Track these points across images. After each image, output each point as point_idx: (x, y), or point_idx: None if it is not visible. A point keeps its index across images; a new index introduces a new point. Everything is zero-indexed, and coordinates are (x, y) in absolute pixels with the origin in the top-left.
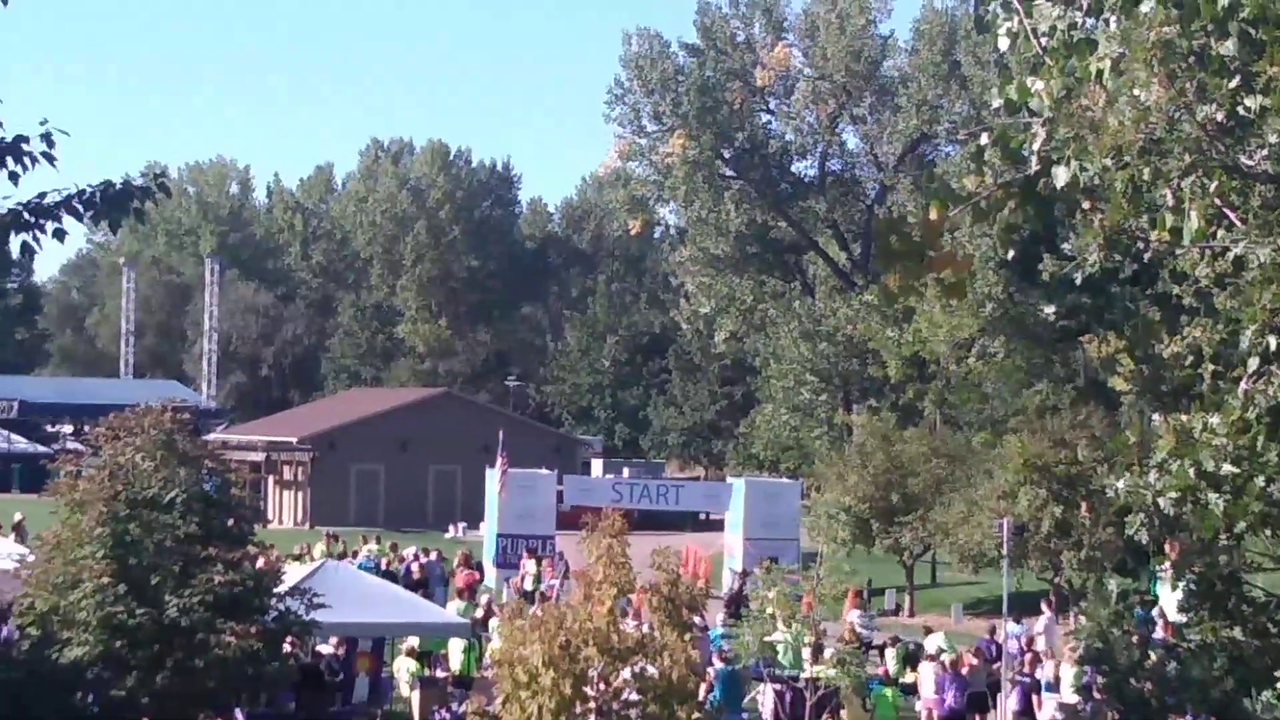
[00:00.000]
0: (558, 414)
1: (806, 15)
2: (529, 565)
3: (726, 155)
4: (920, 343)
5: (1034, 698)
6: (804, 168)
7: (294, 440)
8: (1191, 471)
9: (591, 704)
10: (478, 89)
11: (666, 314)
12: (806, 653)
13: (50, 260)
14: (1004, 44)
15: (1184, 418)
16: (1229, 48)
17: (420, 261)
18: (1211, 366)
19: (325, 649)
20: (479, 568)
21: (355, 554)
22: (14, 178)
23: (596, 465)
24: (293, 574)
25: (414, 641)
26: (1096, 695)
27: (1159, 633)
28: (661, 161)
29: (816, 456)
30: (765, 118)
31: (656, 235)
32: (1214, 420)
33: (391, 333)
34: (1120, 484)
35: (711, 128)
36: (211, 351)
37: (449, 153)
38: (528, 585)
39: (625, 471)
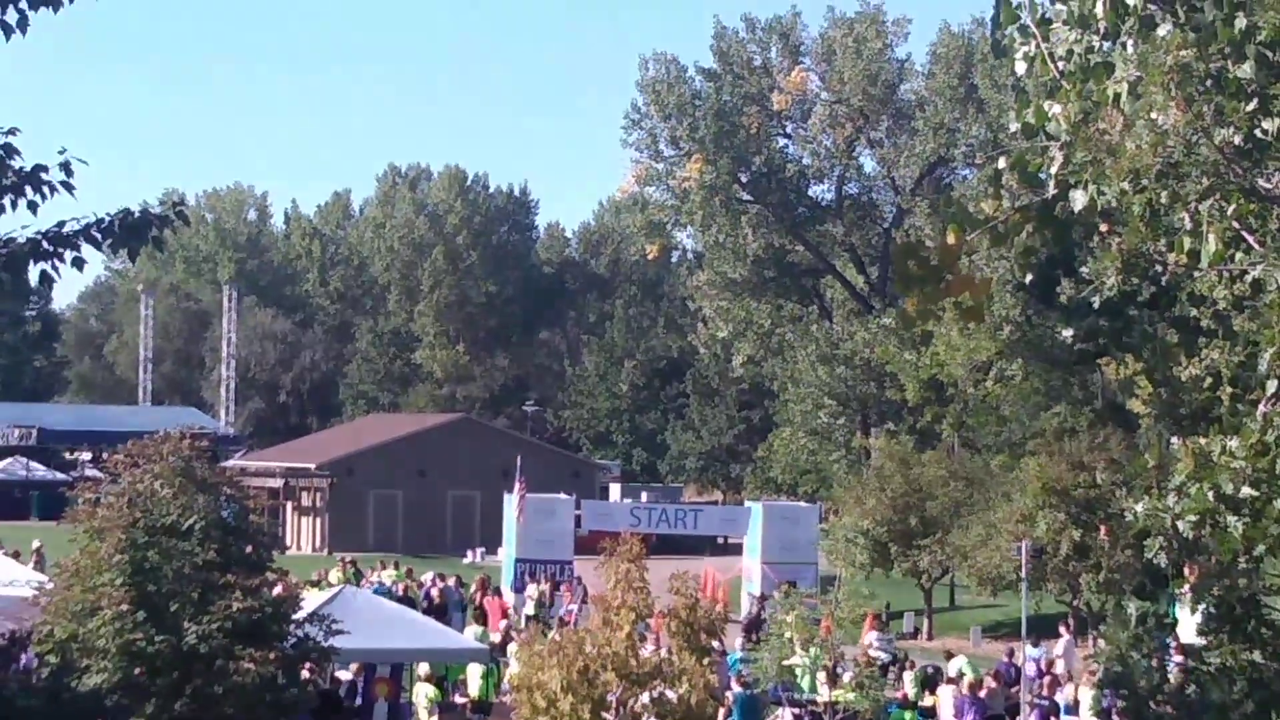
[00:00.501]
0: (576, 439)
1: (823, 39)
2: (531, 589)
3: (744, 179)
4: (938, 366)
5: None
6: (821, 191)
7: (312, 466)
8: (1210, 495)
9: None
10: (495, 115)
11: (684, 338)
12: (823, 676)
13: (69, 288)
14: (1021, 68)
15: (1202, 441)
16: (1246, 70)
17: (438, 287)
18: (1230, 389)
19: (344, 675)
20: (498, 592)
21: (364, 580)
22: (33, 207)
23: (614, 490)
24: (311, 600)
25: (425, 668)
26: (1116, 719)
27: (1173, 655)
28: (679, 186)
29: (835, 480)
30: (782, 142)
31: (674, 260)
32: (1233, 443)
33: (409, 358)
34: (1139, 507)
35: (728, 152)
36: (230, 378)
37: (466, 178)
38: (529, 610)
39: (643, 496)
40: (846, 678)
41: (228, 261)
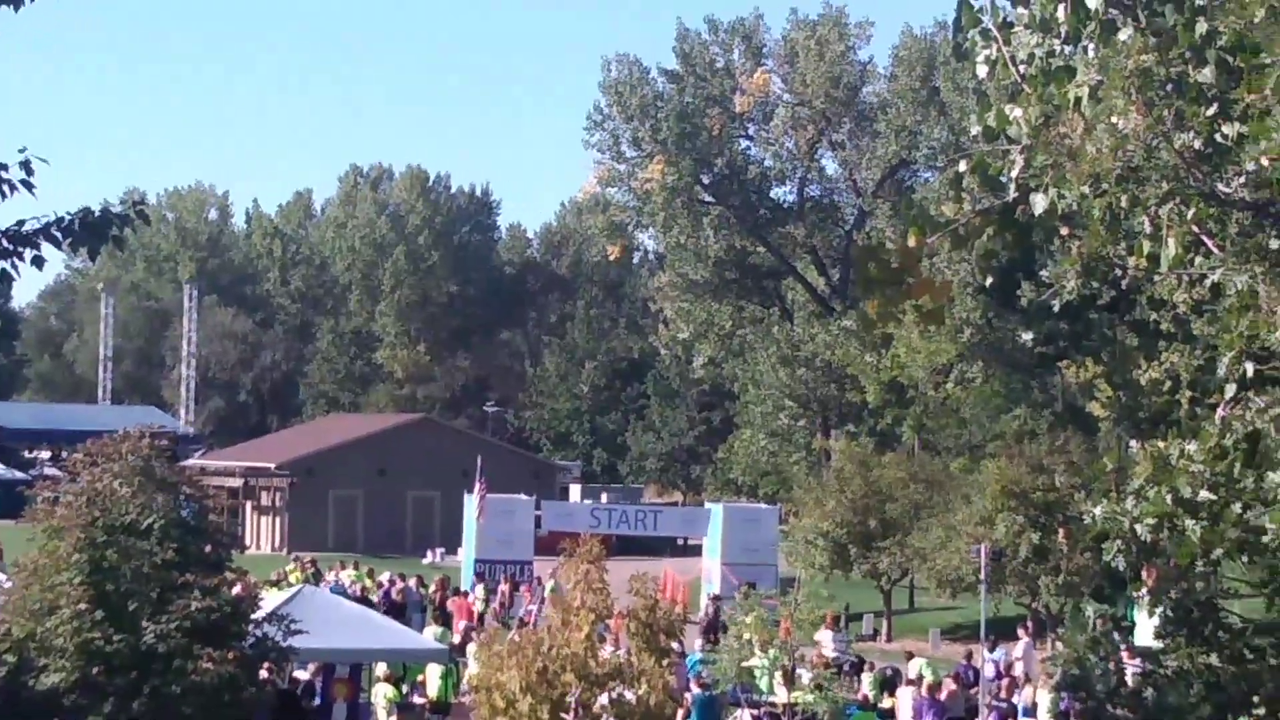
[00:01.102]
0: (536, 440)
1: (786, 41)
2: (479, 590)
3: (705, 181)
4: (899, 368)
5: None
6: (783, 193)
7: (272, 466)
8: (1169, 498)
9: None
10: (457, 115)
11: (645, 339)
12: (779, 677)
13: (29, 286)
14: (982, 71)
15: (1161, 444)
16: (1206, 75)
17: (399, 287)
18: (1189, 393)
19: (303, 675)
20: (459, 592)
21: (323, 581)
22: None
23: (575, 490)
24: (270, 600)
25: (384, 668)
26: None
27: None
28: (640, 187)
29: (795, 482)
30: (744, 144)
31: (635, 261)
32: (1191, 447)
33: (370, 358)
34: (1097, 510)
35: (690, 153)
36: (190, 377)
37: (428, 178)
38: (477, 608)
39: (603, 497)
40: (806, 679)
41: (188, 260)
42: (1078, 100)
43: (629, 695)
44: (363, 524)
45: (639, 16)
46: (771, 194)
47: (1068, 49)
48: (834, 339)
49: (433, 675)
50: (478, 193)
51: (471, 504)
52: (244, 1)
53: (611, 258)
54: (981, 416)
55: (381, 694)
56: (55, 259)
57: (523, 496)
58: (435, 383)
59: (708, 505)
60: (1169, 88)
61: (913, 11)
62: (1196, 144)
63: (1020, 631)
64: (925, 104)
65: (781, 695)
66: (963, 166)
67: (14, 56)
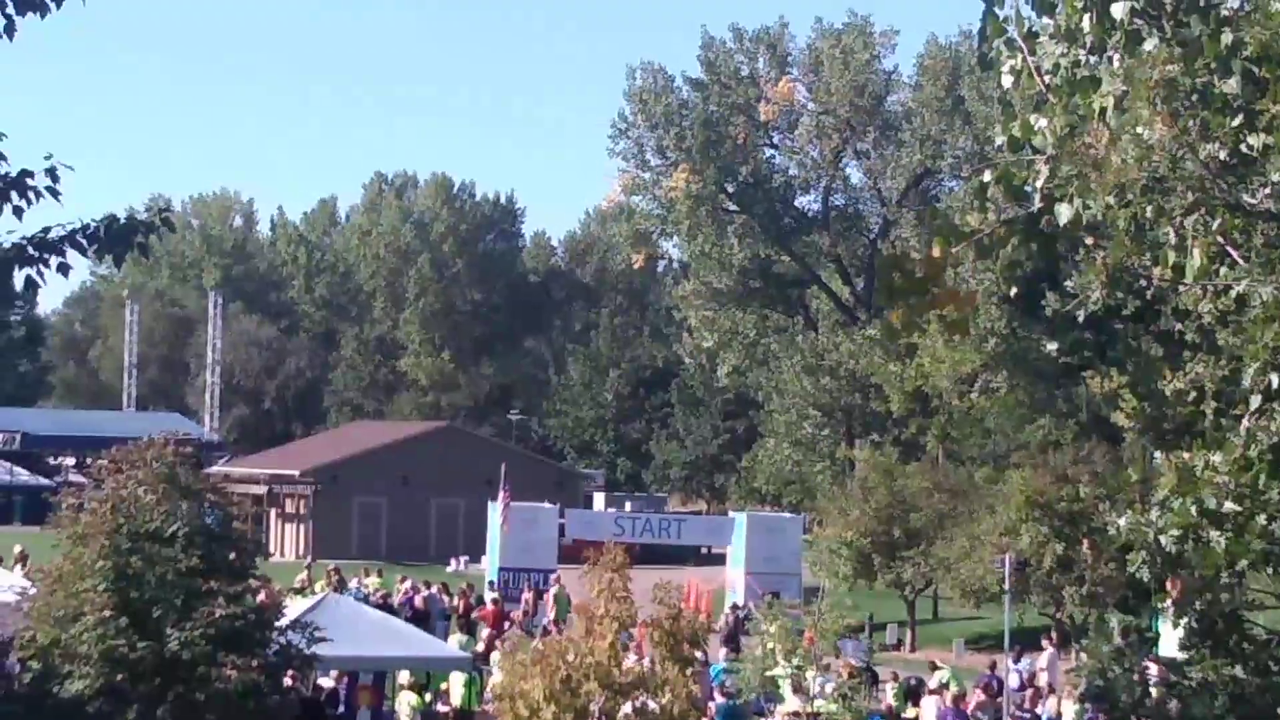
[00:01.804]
0: (560, 448)
1: (810, 50)
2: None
3: (730, 190)
4: (923, 378)
5: None
6: (807, 202)
7: (296, 473)
8: (1193, 509)
9: None
10: (482, 123)
11: (669, 348)
12: (788, 686)
13: (54, 293)
14: (1008, 81)
15: (1186, 455)
16: (1232, 85)
17: (423, 295)
18: (1214, 404)
19: (326, 683)
20: (480, 601)
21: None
22: (18, 212)
23: (599, 499)
24: (294, 607)
25: (407, 676)
26: None
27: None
28: (665, 196)
29: (819, 491)
30: (769, 152)
31: (660, 269)
32: (1216, 458)
33: (394, 366)
34: (1122, 521)
35: (715, 162)
36: (214, 384)
37: (453, 186)
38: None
39: (627, 505)
40: (829, 688)
41: (213, 268)
42: (1103, 110)
43: (653, 704)
44: (386, 532)
45: (664, 25)
46: (796, 203)
47: (1093, 59)
48: (858, 348)
49: (456, 683)
50: (502, 200)
51: (495, 512)
52: (270, 9)
53: (636, 266)
54: (1006, 426)
55: (405, 702)
56: (81, 265)
57: (546, 505)
58: (459, 391)
59: (732, 514)
60: (1194, 98)
61: (938, 20)
62: (1222, 155)
63: (1045, 642)
64: (950, 113)
65: (791, 704)
66: (987, 176)
67: (42, 62)
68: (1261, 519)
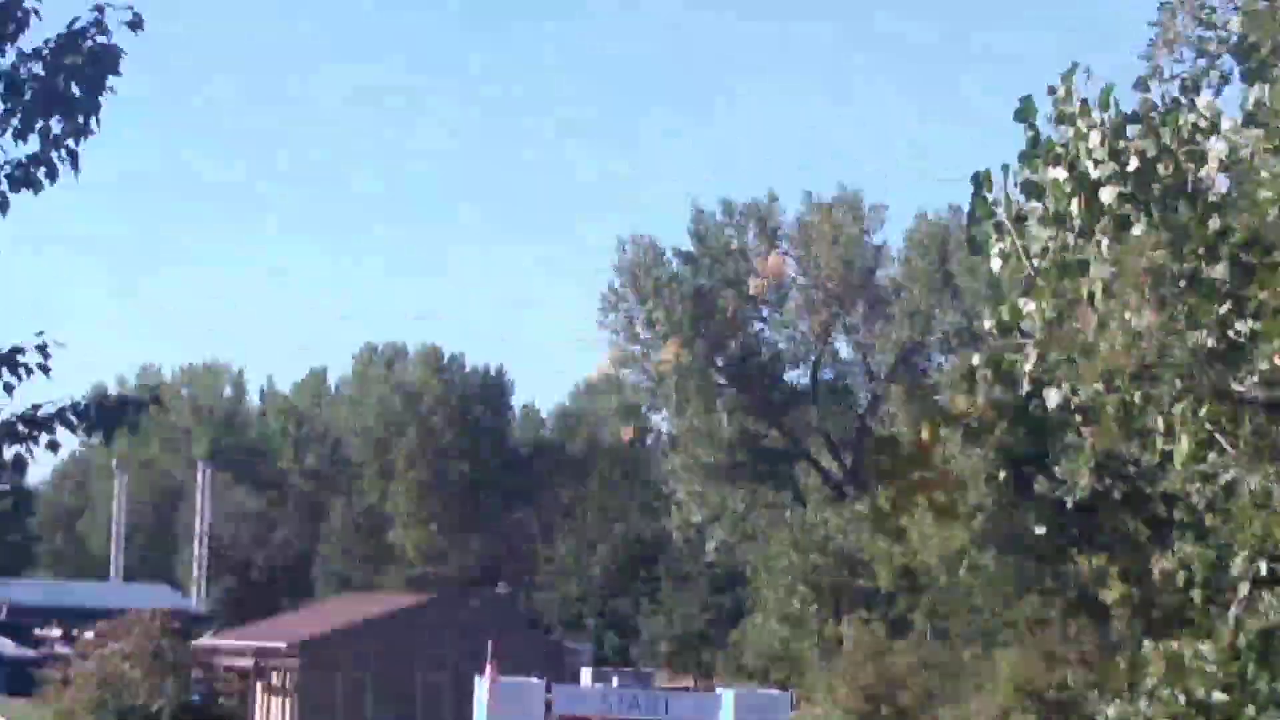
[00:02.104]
0: (548, 621)
1: (800, 224)
2: None
3: (719, 363)
4: (912, 554)
5: None
6: (796, 376)
7: (283, 646)
8: (1182, 699)
9: None
10: (471, 295)
11: (658, 521)
12: None
13: (42, 463)
14: (996, 264)
15: (1174, 644)
16: (1220, 271)
17: (412, 467)
18: (1202, 591)
19: None
20: None
21: None
22: (9, 389)
23: (586, 674)
24: None
25: None
26: None
27: None
28: (654, 369)
29: (807, 667)
30: (758, 326)
31: (649, 442)
32: (1204, 647)
33: (383, 538)
34: (1111, 710)
35: (704, 335)
36: (202, 556)
37: (442, 358)
38: None
39: (614, 680)
40: None
41: (202, 438)
42: (1091, 295)
43: None
44: (372, 705)
45: (655, 198)
46: (785, 377)
47: (1081, 242)
48: (846, 523)
49: None
50: (491, 372)
51: (482, 687)
52: (257, 178)
53: (625, 439)
54: (994, 602)
55: None
56: (70, 439)
57: (534, 680)
58: (447, 563)
59: (719, 690)
60: (1182, 283)
61: (928, 195)
62: (1210, 341)
63: None
64: (939, 289)
65: None
66: (975, 359)
67: (34, 239)
68: (1250, 710)
